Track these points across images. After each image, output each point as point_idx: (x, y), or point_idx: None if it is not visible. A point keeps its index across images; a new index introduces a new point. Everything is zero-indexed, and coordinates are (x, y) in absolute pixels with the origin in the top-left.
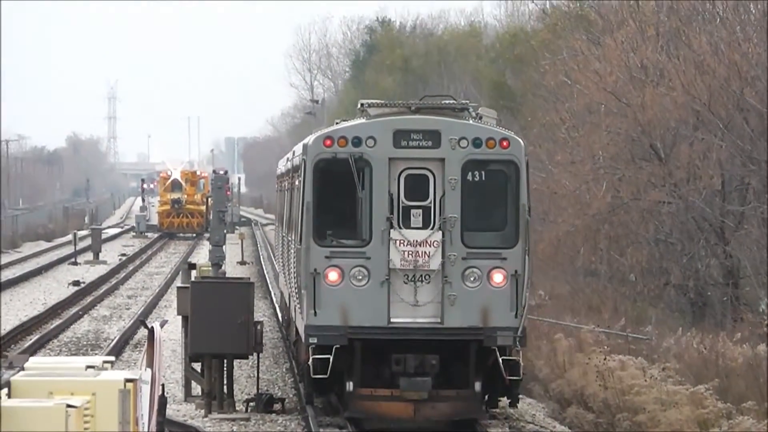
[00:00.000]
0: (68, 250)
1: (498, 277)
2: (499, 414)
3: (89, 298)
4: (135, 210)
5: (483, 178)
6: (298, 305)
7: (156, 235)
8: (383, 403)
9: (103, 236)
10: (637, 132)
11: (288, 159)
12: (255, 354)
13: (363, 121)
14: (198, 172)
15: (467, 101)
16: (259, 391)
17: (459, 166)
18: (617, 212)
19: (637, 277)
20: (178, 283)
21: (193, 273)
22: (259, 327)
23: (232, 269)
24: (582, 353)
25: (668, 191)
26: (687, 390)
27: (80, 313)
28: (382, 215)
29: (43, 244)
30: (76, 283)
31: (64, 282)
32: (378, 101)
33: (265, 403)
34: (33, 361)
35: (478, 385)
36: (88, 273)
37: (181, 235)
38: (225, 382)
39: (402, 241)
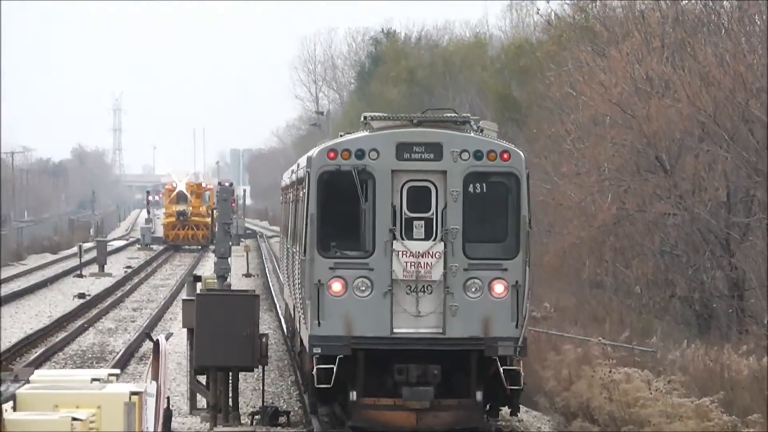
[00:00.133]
0: (73, 262)
1: (499, 288)
2: (504, 427)
3: (94, 311)
4: (140, 222)
5: (484, 190)
6: (303, 316)
7: (161, 248)
8: (386, 412)
9: (109, 248)
10: (642, 143)
11: (292, 171)
12: (260, 367)
13: (366, 133)
14: (203, 184)
15: (468, 114)
16: (265, 404)
17: (461, 178)
18: (622, 224)
19: (643, 289)
20: (183, 295)
21: (199, 285)
22: (264, 339)
23: (237, 282)
24: (588, 366)
25: (673, 203)
26: (692, 403)
27: (85, 325)
28: (385, 227)
29: (49, 257)
30: (81, 295)
31: (69, 294)
32: (381, 114)
33: (270, 416)
34: (38, 374)
35: (479, 395)
36: (94, 285)
37: (187, 247)
38: (230, 394)
39: (404, 253)
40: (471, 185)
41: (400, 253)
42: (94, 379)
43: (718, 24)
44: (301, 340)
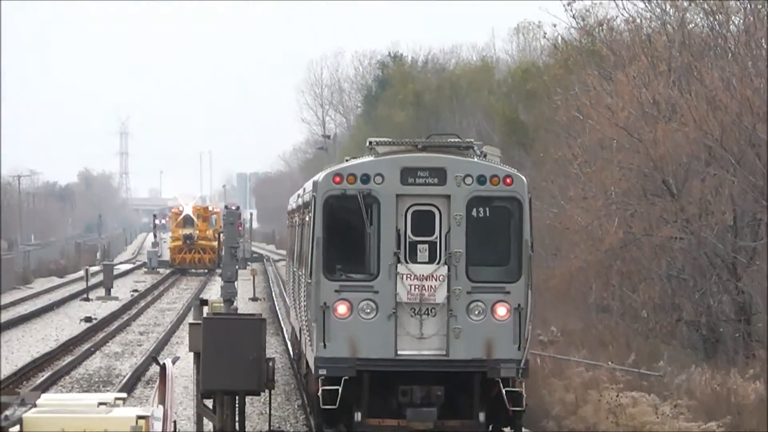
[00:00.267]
0: (80, 286)
1: (501, 311)
2: None
3: (101, 335)
4: (147, 246)
5: (487, 214)
6: (309, 338)
7: (168, 271)
8: None
9: (115, 272)
10: (649, 167)
11: (299, 195)
12: (267, 391)
13: (371, 158)
14: (210, 208)
15: (472, 140)
16: (271, 428)
17: (464, 202)
18: (629, 248)
19: (649, 314)
20: (189, 319)
21: (205, 309)
22: (271, 363)
23: (244, 305)
24: (594, 390)
25: (680, 227)
26: (699, 427)
27: (92, 349)
28: (389, 250)
29: (55, 280)
30: (88, 319)
31: (76, 318)
32: (386, 139)
33: None
34: (45, 398)
35: (482, 416)
36: (100, 309)
37: (193, 270)
38: (237, 418)
39: (409, 276)
40: (474, 209)
41: (405, 276)
42: (100, 403)
43: (724, 48)
44: (307, 362)
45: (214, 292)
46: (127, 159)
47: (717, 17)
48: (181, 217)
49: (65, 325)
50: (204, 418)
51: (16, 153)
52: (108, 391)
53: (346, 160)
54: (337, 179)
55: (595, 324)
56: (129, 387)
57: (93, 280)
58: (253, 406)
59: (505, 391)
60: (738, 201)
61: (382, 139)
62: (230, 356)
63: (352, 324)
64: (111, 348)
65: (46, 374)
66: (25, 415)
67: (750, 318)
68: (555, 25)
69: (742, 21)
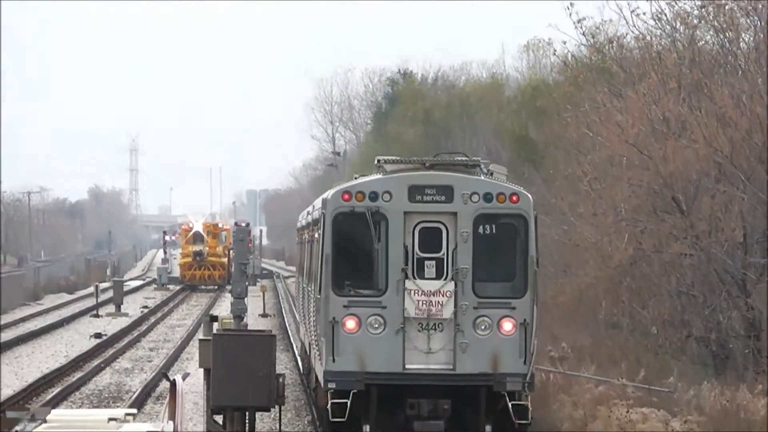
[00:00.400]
0: (90, 302)
1: (507, 326)
2: None
3: (111, 351)
4: (157, 262)
5: (493, 231)
6: (318, 352)
7: (178, 288)
8: None
9: (125, 288)
10: (659, 184)
11: (308, 212)
12: (277, 407)
13: (379, 176)
14: (220, 225)
15: (479, 158)
16: None
17: (471, 219)
18: (639, 264)
19: (659, 330)
20: (199, 335)
21: (215, 325)
22: (281, 379)
23: (253, 322)
24: (604, 406)
25: (690, 243)
26: None
27: (102, 365)
28: (397, 266)
29: (65, 296)
30: (97, 335)
31: (85, 334)
32: (394, 158)
33: None
34: (55, 414)
35: (488, 429)
36: (110, 325)
37: (203, 287)
38: None
39: (416, 291)
40: (481, 226)
41: (412, 292)
42: (111, 419)
43: (734, 65)
44: (317, 376)
45: (224, 308)
46: (137, 175)
47: (727, 34)
48: (191, 233)
49: (75, 341)
50: None
51: (26, 169)
52: (118, 407)
53: (355, 178)
54: (346, 197)
55: (605, 340)
56: (139, 403)
57: (103, 297)
58: (263, 422)
59: (511, 404)
60: (748, 217)
61: (390, 157)
62: (240, 372)
63: (361, 338)
64: (121, 364)
65: (56, 390)
66: (35, 431)
67: (759, 334)
68: (565, 43)
69: (752, 38)
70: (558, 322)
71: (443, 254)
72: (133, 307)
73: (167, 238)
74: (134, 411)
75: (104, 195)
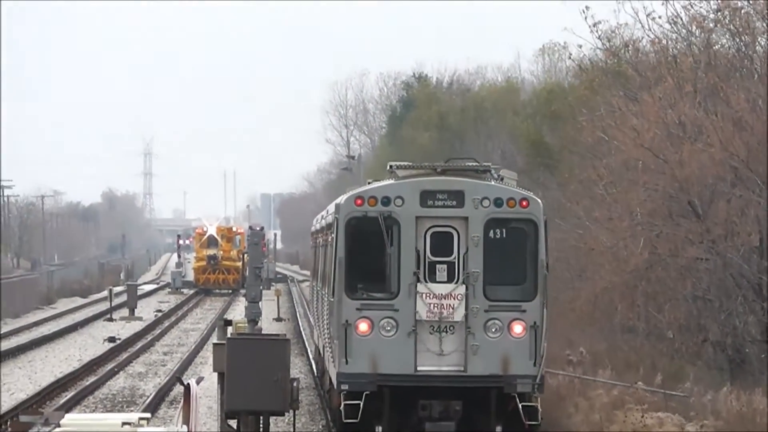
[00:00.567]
0: (104, 306)
1: (518, 329)
2: None
3: (125, 355)
4: (171, 266)
5: (504, 236)
6: (331, 355)
7: (192, 291)
8: None
9: (139, 292)
10: (674, 188)
11: (322, 217)
12: (291, 411)
13: (392, 182)
14: (234, 228)
15: (489, 164)
16: None
17: (481, 224)
18: (655, 269)
19: (675, 334)
20: (213, 339)
21: (229, 329)
22: (295, 384)
23: (268, 326)
24: (620, 410)
25: (706, 248)
26: None
27: (116, 369)
28: (409, 270)
29: (79, 300)
30: (111, 339)
31: (99, 338)
32: (406, 163)
33: None
34: (69, 418)
35: (498, 430)
36: (124, 329)
37: (217, 291)
38: None
39: (428, 294)
40: (491, 231)
41: (424, 295)
42: (125, 423)
43: (750, 69)
44: (330, 378)
45: (238, 312)
46: (151, 179)
47: (743, 38)
48: (205, 237)
49: (89, 345)
50: None
51: (39, 173)
52: (132, 411)
53: (369, 183)
54: (359, 202)
55: (621, 345)
56: (153, 407)
57: (117, 301)
58: (278, 426)
59: (522, 405)
60: (764, 222)
61: (402, 163)
62: (255, 376)
63: (373, 341)
64: (135, 368)
65: (69, 394)
66: None
67: None
68: (580, 46)
69: None
70: (574, 326)
71: (454, 258)
72: (147, 311)
73: (181, 241)
74: (148, 415)
75: (118, 199)
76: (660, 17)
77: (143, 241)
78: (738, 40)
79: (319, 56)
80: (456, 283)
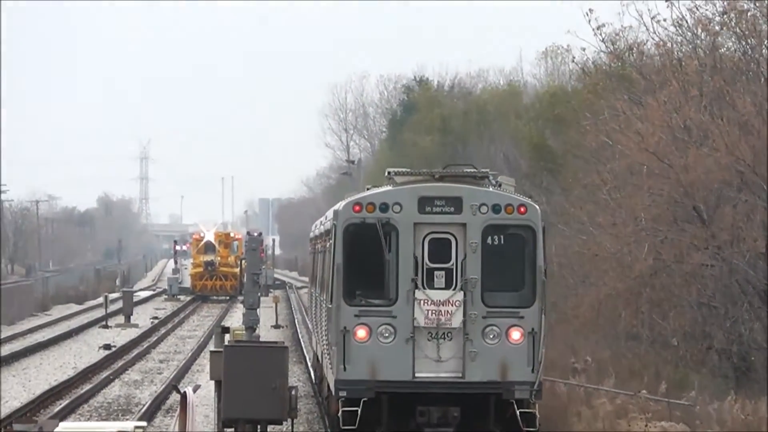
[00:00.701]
0: (99, 312)
1: (516, 335)
2: None
3: (120, 362)
4: (167, 272)
5: (502, 242)
6: (329, 361)
7: (189, 298)
8: None
9: (135, 299)
10: (679, 193)
11: (321, 223)
12: (289, 419)
13: (390, 188)
14: (231, 234)
15: (487, 170)
16: None
17: (479, 230)
18: (659, 275)
19: (680, 342)
20: (210, 347)
21: (227, 337)
22: (293, 392)
23: (266, 333)
24: (623, 419)
25: (711, 254)
26: None
27: (111, 377)
28: (407, 276)
29: (74, 307)
30: (107, 346)
31: (94, 345)
32: (404, 170)
33: None
34: (63, 426)
35: None
36: (119, 336)
37: (215, 297)
38: None
39: (426, 301)
40: (489, 237)
41: (422, 302)
42: None
43: (756, 72)
44: (328, 385)
45: (235, 319)
46: (147, 184)
47: (749, 41)
48: (203, 243)
49: (84, 352)
50: None
51: (34, 178)
52: (127, 419)
53: (367, 189)
54: (357, 208)
55: (625, 352)
56: (149, 415)
57: (112, 307)
58: None
59: (519, 412)
60: None
61: (400, 170)
62: (252, 384)
63: (371, 347)
64: (130, 376)
65: (64, 402)
66: None
67: None
68: (584, 49)
69: None
70: (577, 333)
71: (452, 265)
72: (143, 318)
73: (178, 247)
74: (144, 424)
75: (114, 204)
76: (665, 20)
77: (139, 246)
78: (744, 43)
79: (318, 59)
80: (454, 289)
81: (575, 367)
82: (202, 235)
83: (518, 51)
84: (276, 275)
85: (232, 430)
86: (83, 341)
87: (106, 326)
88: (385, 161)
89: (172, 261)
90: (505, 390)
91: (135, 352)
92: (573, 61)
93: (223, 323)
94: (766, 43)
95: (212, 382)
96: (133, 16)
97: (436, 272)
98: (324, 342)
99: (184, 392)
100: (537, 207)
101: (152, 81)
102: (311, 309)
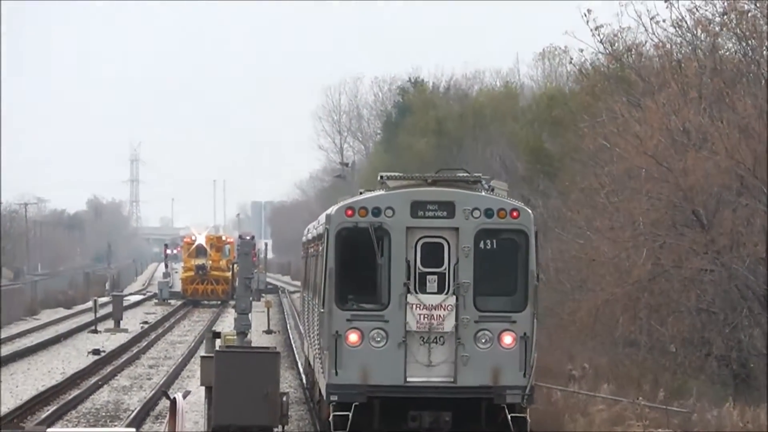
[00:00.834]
0: (88, 317)
1: (508, 339)
2: None
3: (109, 368)
4: (158, 276)
5: (494, 246)
6: (321, 366)
7: (179, 303)
8: None
9: (125, 303)
10: (678, 197)
11: (313, 227)
12: (281, 426)
13: (382, 192)
14: (223, 238)
15: (480, 174)
16: None
17: (472, 234)
18: (658, 280)
19: (678, 348)
20: (201, 352)
21: (218, 342)
22: (285, 398)
23: (257, 338)
24: (620, 426)
25: (710, 259)
26: None
27: (100, 382)
28: (399, 281)
29: (63, 311)
30: (96, 351)
31: (83, 351)
32: (396, 174)
33: None
34: None
35: None
36: (109, 341)
37: (206, 302)
38: None
39: (418, 305)
40: (482, 241)
41: (414, 306)
42: None
43: (757, 74)
44: (320, 389)
45: (227, 324)
46: (137, 186)
47: (750, 42)
48: (194, 246)
49: (72, 357)
50: None
51: (22, 180)
52: (116, 425)
53: (360, 193)
54: (349, 212)
55: (622, 359)
56: (138, 422)
57: (102, 312)
58: None
59: (511, 416)
60: None
61: (392, 174)
62: (243, 390)
63: (363, 352)
64: (119, 381)
65: (51, 408)
66: None
67: None
68: (582, 51)
69: None
70: (574, 339)
71: (445, 269)
72: (132, 322)
73: (169, 251)
74: (133, 430)
75: (104, 207)
76: (664, 21)
77: (129, 250)
78: (744, 44)
79: (312, 60)
80: (446, 293)
81: (572, 374)
82: (193, 238)
83: (515, 52)
84: (268, 279)
85: None
86: (72, 346)
87: (95, 331)
88: (379, 164)
89: (162, 265)
90: (496, 394)
91: (124, 357)
92: (570, 62)
93: (214, 328)
94: (766, 44)
95: (202, 388)
96: (122, 17)
97: (428, 276)
98: (316, 346)
99: (174, 398)
100: (530, 211)
101: (142, 83)
102: (303, 313)
